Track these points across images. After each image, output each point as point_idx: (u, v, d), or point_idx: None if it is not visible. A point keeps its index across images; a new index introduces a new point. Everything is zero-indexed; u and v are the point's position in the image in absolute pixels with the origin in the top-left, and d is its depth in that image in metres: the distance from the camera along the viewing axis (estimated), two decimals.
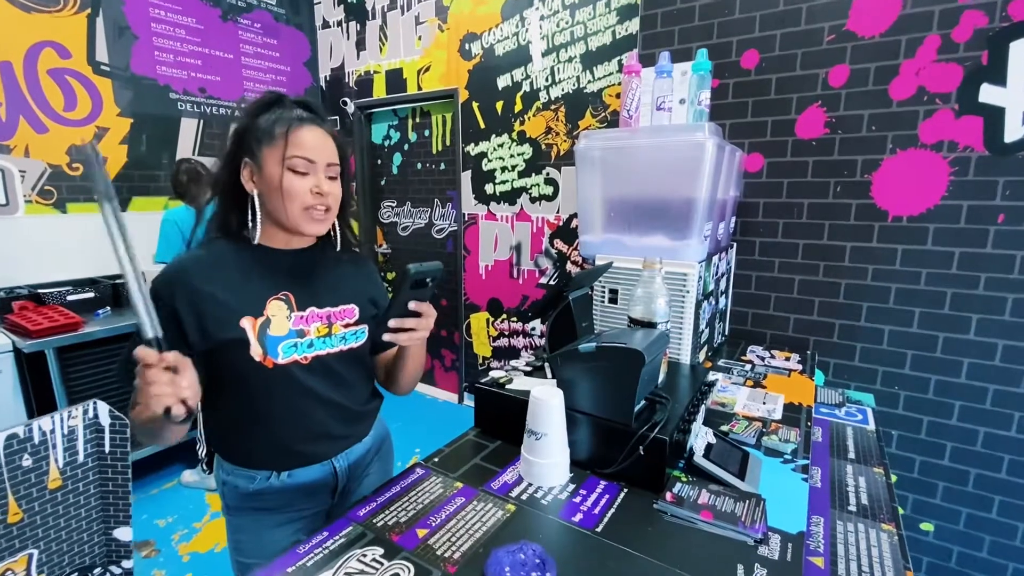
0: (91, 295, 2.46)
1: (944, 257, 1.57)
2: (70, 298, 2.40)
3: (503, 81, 2.83)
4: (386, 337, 0.83)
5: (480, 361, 3.25)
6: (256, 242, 0.88)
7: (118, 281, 2.60)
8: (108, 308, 2.48)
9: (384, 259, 3.72)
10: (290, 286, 0.89)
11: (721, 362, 1.63)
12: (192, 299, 0.81)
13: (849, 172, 1.67)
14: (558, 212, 2.76)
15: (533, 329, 2.97)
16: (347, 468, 1.00)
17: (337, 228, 0.95)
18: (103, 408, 0.61)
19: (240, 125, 0.87)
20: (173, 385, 0.64)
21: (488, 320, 3.16)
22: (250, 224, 0.87)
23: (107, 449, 0.53)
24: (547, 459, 0.92)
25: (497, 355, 3.16)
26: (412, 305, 0.82)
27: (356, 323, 0.96)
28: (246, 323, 0.83)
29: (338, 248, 0.96)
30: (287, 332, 0.87)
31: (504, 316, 3.08)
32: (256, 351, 0.84)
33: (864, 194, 1.66)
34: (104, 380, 2.23)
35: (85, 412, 0.76)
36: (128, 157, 2.78)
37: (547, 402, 0.90)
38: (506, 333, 3.10)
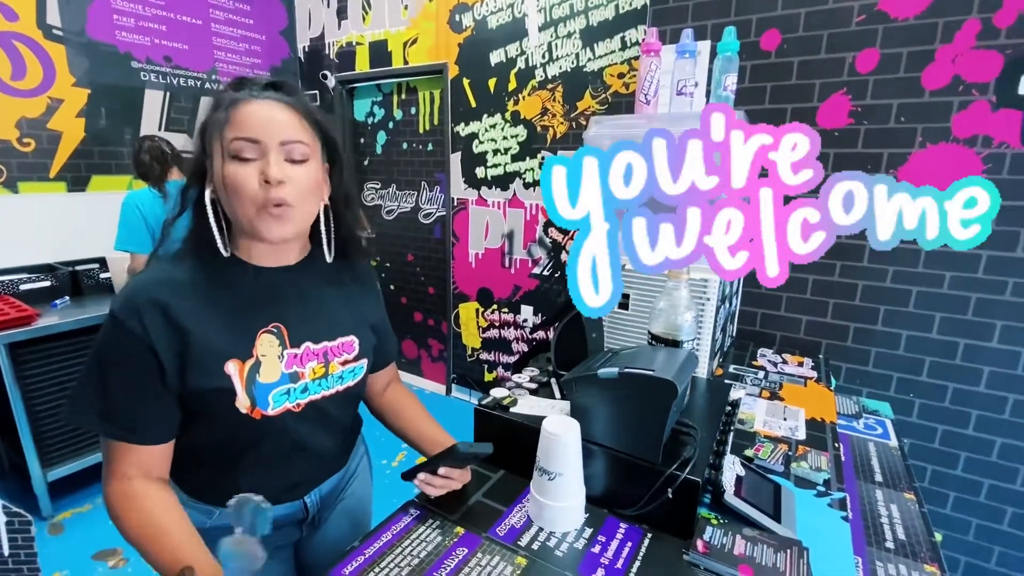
0: (47, 283, 2.26)
1: (970, 260, 1.48)
2: (24, 287, 2.20)
3: (496, 57, 2.64)
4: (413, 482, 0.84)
5: (469, 352, 3.13)
6: (229, 254, 0.71)
7: (78, 268, 2.40)
8: (67, 297, 2.29)
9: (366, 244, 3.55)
10: (281, 315, 0.74)
11: (732, 368, 1.53)
12: (169, 335, 0.65)
13: (873, 166, 1.56)
14: None
15: (525, 321, 2.86)
16: (319, 501, 0.87)
17: (328, 235, 0.79)
18: None
19: (202, 122, 0.69)
20: None
21: (478, 310, 3.03)
22: (215, 236, 0.70)
23: (6, 552, 0.40)
24: (561, 502, 0.80)
25: (487, 346, 3.04)
26: (443, 471, 0.82)
27: (355, 358, 0.82)
28: (232, 368, 0.68)
29: (328, 260, 0.80)
30: (279, 377, 0.72)
31: (495, 306, 2.95)
32: (243, 403, 0.69)
33: None
34: (63, 379, 2.05)
35: None
36: (86, 132, 2.54)
37: (562, 438, 0.78)
38: (496, 324, 2.97)
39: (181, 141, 2.73)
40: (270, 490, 0.78)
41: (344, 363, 0.80)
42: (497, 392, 1.04)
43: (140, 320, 0.64)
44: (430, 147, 3.12)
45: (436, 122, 3.05)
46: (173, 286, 0.67)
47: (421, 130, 3.13)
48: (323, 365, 0.77)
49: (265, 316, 0.72)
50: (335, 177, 0.78)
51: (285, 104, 0.69)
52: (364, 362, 0.83)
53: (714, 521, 0.83)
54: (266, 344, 0.72)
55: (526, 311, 2.83)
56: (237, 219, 0.68)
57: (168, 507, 0.67)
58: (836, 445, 1.13)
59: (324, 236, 0.78)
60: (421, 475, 0.82)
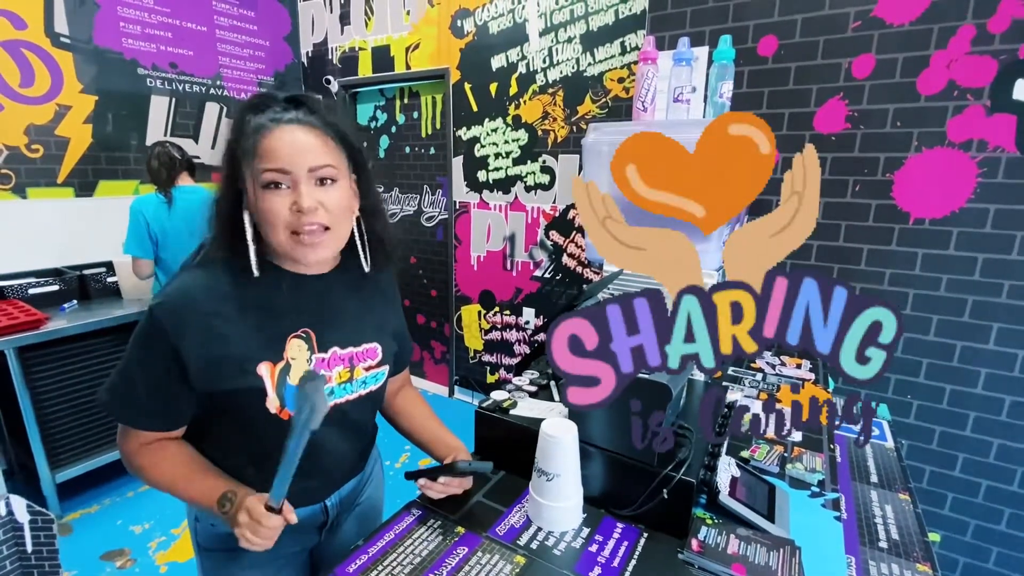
0: (56, 288, 2.30)
1: (967, 263, 1.49)
2: (32, 291, 2.24)
3: (497, 61, 2.67)
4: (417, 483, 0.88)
5: (471, 354, 3.15)
6: (257, 269, 0.72)
7: (85, 272, 2.44)
8: (75, 301, 2.32)
9: None
10: (310, 321, 0.76)
11: (730, 370, 1.54)
12: (202, 339, 0.68)
13: (870, 170, 1.57)
14: (554, 202, 2.63)
15: (527, 323, 2.88)
16: (338, 504, 0.90)
17: (364, 246, 0.81)
18: (18, 503, 0.49)
19: (229, 141, 0.71)
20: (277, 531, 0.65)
21: (480, 312, 3.05)
22: (252, 260, 0.70)
23: (30, 549, 0.42)
24: (559, 502, 0.82)
25: (489, 348, 3.06)
26: (442, 480, 0.84)
27: (378, 364, 0.84)
28: (264, 370, 0.71)
29: (367, 270, 0.82)
30: None
31: (497, 309, 2.97)
32: (273, 403, 0.72)
33: (885, 194, 1.57)
34: (72, 381, 2.08)
35: None
36: (93, 137, 2.57)
37: (560, 440, 0.80)
38: (498, 326, 3.00)
39: (188, 147, 2.76)
40: (291, 493, 0.81)
41: (368, 369, 0.83)
42: (497, 395, 1.06)
43: (173, 320, 0.67)
44: (432, 151, 3.15)
45: (438, 126, 3.08)
46: (211, 291, 0.70)
47: (423, 134, 3.16)
48: (348, 370, 0.80)
49: (296, 322, 0.75)
50: (363, 186, 0.80)
51: (310, 127, 0.69)
52: (385, 368, 0.86)
53: (709, 521, 0.84)
54: (295, 348, 0.74)
55: (528, 313, 2.85)
56: (272, 243, 0.70)
57: (190, 453, 0.75)
58: (832, 447, 1.15)
59: (360, 245, 0.80)
60: (422, 480, 0.85)
